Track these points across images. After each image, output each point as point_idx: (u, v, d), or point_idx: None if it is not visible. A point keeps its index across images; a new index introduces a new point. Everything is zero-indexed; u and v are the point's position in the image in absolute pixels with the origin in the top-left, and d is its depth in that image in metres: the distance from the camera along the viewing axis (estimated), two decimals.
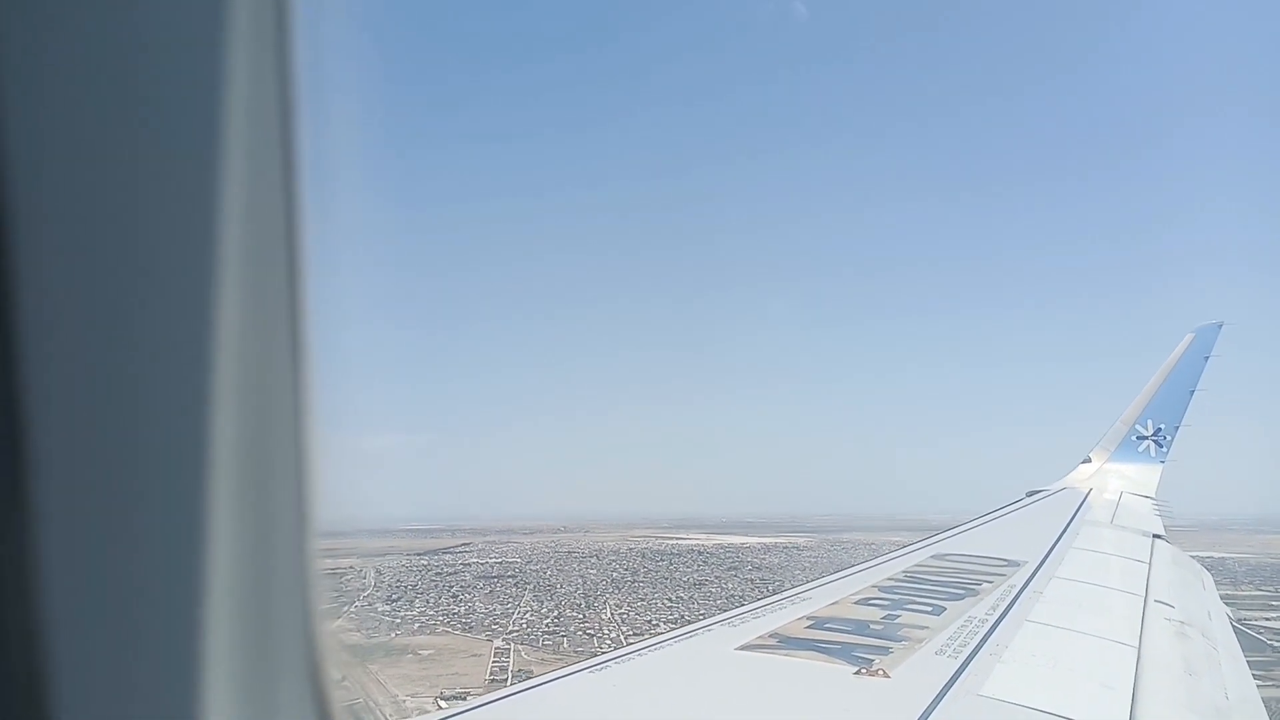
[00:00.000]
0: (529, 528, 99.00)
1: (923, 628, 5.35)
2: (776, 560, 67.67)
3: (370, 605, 47.74)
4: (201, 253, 1.08)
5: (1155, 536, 11.25)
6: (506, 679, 33.96)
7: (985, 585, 6.88)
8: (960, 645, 4.99)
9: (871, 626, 5.38)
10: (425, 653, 41.88)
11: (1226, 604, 9.78)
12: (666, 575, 60.31)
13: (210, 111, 1.08)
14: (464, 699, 6.01)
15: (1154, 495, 14.96)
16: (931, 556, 8.46)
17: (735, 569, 62.95)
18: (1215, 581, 10.78)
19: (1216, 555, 52.54)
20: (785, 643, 4.95)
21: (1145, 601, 7.34)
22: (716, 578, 58.85)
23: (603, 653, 5.24)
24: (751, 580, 56.16)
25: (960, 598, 6.36)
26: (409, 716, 30.39)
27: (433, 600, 53.03)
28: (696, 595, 52.20)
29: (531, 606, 51.00)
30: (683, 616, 41.63)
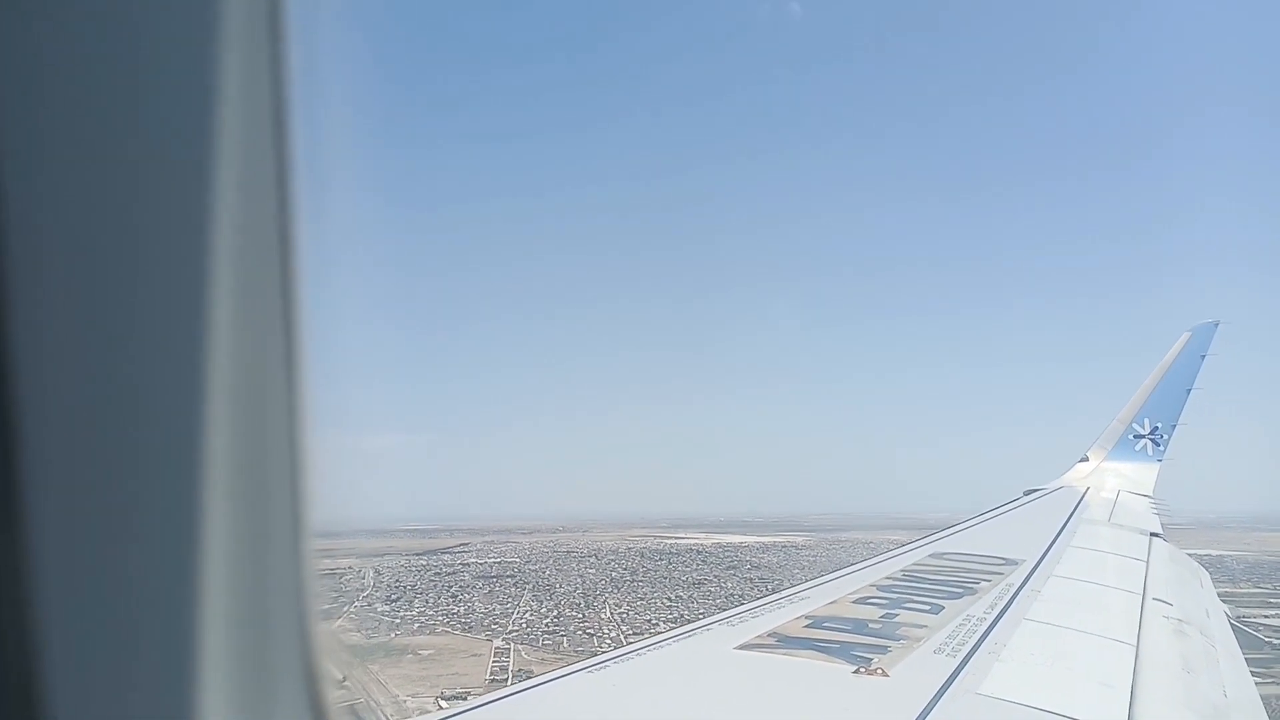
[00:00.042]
0: (527, 528, 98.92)
1: (921, 626, 5.35)
2: (775, 559, 67.72)
3: (369, 605, 47.76)
4: (197, 253, 1.08)
5: (1153, 534, 11.26)
6: (507, 679, 33.97)
7: (983, 584, 6.89)
8: (959, 644, 4.99)
9: (870, 625, 5.38)
10: (425, 653, 41.89)
11: (1225, 601, 9.80)
12: (665, 574, 60.31)
13: (205, 113, 1.08)
14: (464, 699, 6.01)
15: (1151, 493, 15.00)
16: (930, 555, 8.47)
17: (734, 568, 62.98)
18: (1213, 579, 10.81)
19: (1214, 553, 52.61)
20: (784, 642, 4.95)
21: (1143, 599, 7.35)
22: (715, 577, 58.86)
23: (603, 652, 5.24)
24: (750, 579, 56.20)
25: (958, 596, 6.37)
26: (410, 716, 30.43)
27: (432, 600, 52.99)
28: (696, 594, 52.22)
29: (531, 606, 51.00)
30: (682, 616, 41.66)
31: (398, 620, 48.35)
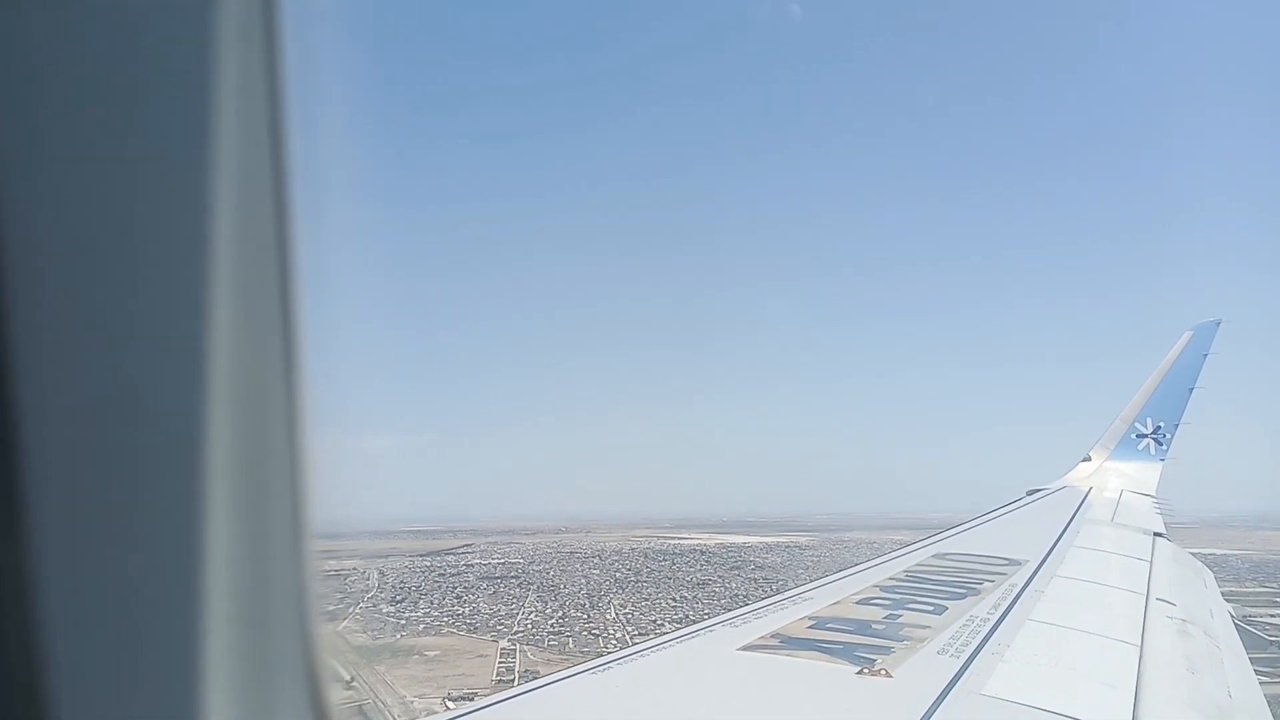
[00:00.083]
0: (530, 528, 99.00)
1: (925, 627, 5.34)
2: (779, 559, 67.67)
3: (375, 607, 47.82)
4: (196, 254, 1.08)
5: (1156, 534, 11.23)
6: (513, 679, 33.99)
7: (987, 584, 6.87)
8: (962, 645, 4.98)
9: (873, 626, 5.37)
10: (431, 654, 41.94)
11: (1229, 601, 9.76)
12: (669, 575, 60.30)
13: (204, 113, 1.08)
14: (471, 699, 6.01)
15: (1154, 493, 14.96)
16: (933, 556, 8.46)
17: (738, 568, 62.94)
18: (1217, 578, 10.76)
19: (1218, 552, 52.40)
20: (787, 643, 4.94)
21: (1147, 599, 7.33)
22: (719, 577, 58.84)
23: (608, 652, 5.24)
24: (754, 580, 56.17)
25: (962, 597, 6.36)
26: (418, 717, 30.44)
27: (437, 601, 53.04)
28: (700, 595, 52.20)
29: (536, 607, 51.02)
30: (687, 616, 41.66)
31: (403, 621, 48.44)
